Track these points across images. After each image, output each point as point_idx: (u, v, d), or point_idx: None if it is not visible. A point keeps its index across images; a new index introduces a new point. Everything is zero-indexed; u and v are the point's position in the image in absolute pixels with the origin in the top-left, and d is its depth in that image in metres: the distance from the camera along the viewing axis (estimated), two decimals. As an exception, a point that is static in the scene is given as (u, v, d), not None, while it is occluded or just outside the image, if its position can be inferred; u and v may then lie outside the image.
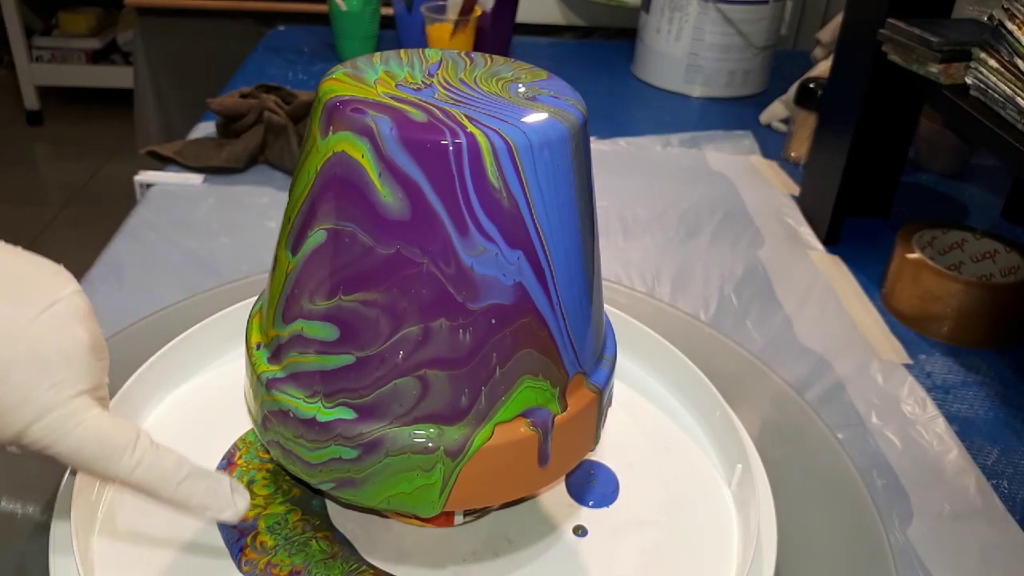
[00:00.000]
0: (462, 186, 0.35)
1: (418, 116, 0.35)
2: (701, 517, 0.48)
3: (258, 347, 0.42)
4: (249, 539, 0.44)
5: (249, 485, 0.47)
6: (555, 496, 0.48)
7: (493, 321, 0.37)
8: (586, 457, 0.49)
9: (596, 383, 0.42)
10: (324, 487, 0.40)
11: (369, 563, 0.44)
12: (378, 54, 0.42)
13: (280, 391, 0.40)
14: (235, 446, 0.50)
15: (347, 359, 0.38)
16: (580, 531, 0.47)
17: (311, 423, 0.39)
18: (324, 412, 0.39)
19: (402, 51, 0.43)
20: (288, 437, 0.40)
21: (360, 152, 0.36)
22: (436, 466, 0.38)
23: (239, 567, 0.43)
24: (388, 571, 0.43)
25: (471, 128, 0.35)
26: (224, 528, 0.45)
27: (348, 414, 0.38)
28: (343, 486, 0.39)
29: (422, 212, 0.35)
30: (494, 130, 0.35)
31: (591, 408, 0.42)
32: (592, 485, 0.49)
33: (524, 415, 0.39)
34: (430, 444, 0.38)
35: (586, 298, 0.41)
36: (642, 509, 0.48)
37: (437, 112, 0.36)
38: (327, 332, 0.38)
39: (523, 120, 0.36)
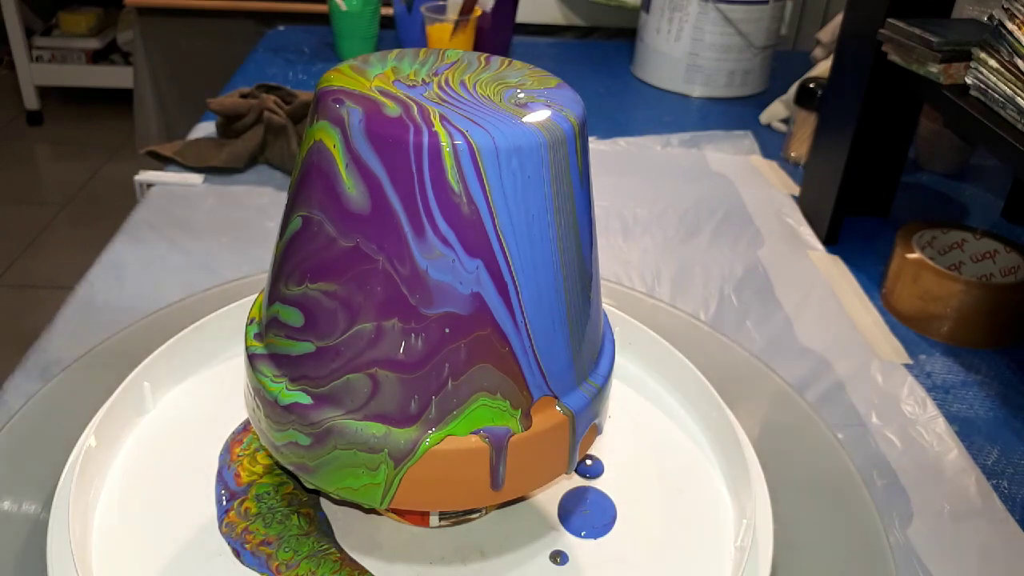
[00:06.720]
0: (420, 185, 0.34)
1: (392, 111, 0.35)
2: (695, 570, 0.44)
3: (251, 322, 0.43)
4: (236, 503, 0.45)
5: (255, 453, 0.48)
6: (544, 516, 0.47)
7: (447, 330, 0.36)
8: (589, 484, 0.49)
9: (570, 406, 0.40)
10: (289, 467, 0.40)
11: (339, 547, 0.44)
12: (398, 51, 0.42)
13: (257, 368, 0.40)
14: None
15: (308, 347, 0.38)
16: (559, 558, 0.44)
17: (274, 403, 0.39)
18: (285, 395, 0.39)
19: (423, 50, 0.42)
20: (261, 414, 0.40)
21: (332, 142, 0.35)
22: (380, 466, 0.38)
23: (219, 527, 0.44)
24: (354, 558, 0.43)
25: (438, 127, 0.34)
26: (218, 488, 0.46)
27: (305, 400, 0.38)
28: (301, 470, 0.40)
29: (381, 208, 0.35)
30: (460, 131, 0.34)
31: (559, 430, 0.40)
32: (585, 513, 0.47)
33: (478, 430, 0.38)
34: (376, 443, 0.37)
35: (561, 320, 0.38)
36: (633, 549, 0.45)
37: (413, 109, 0.35)
38: (295, 318, 0.38)
39: (495, 125, 0.35)
